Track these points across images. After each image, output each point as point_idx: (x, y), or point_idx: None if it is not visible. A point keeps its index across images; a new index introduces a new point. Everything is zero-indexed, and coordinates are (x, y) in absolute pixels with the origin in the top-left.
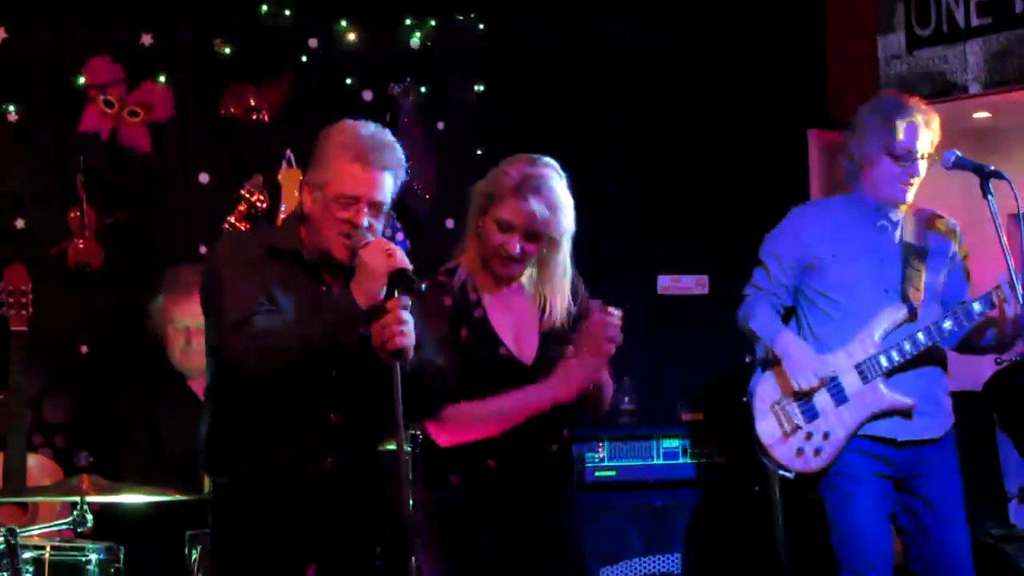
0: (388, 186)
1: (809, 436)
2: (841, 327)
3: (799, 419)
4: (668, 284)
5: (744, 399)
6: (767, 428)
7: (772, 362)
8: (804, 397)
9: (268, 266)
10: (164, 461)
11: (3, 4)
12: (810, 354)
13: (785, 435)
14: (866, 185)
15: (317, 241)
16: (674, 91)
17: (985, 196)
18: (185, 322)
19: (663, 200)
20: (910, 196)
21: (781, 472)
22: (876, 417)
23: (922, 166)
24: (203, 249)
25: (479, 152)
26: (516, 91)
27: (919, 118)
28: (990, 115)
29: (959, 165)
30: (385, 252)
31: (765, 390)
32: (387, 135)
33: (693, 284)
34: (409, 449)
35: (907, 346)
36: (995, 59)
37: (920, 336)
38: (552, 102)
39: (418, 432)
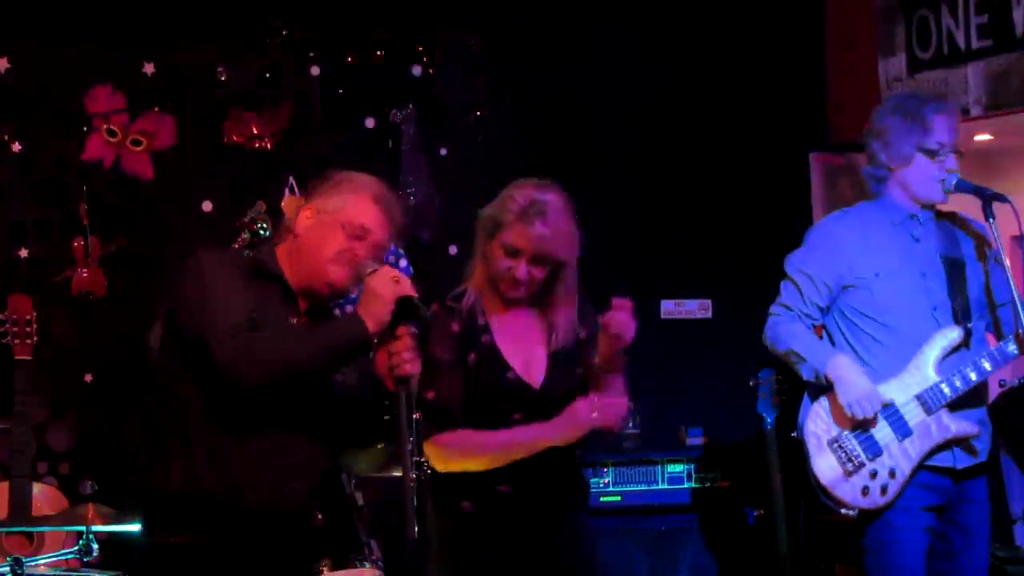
0: (390, 239)
1: (874, 474)
2: (891, 352)
3: (862, 456)
4: (671, 309)
5: (794, 435)
6: (826, 466)
7: (823, 389)
8: (862, 428)
9: (249, 286)
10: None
11: (6, 34)
12: (867, 382)
13: (847, 473)
14: (897, 190)
15: (305, 264)
16: (676, 115)
17: (987, 219)
18: None
19: (665, 224)
20: (945, 196)
21: (844, 511)
22: (939, 448)
23: (957, 161)
24: None
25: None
26: (517, 116)
27: (949, 110)
28: (992, 137)
29: (961, 188)
30: (393, 279)
31: (818, 425)
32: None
33: (696, 308)
34: (415, 475)
35: (972, 375)
36: (996, 81)
37: (986, 364)
38: (553, 126)
39: (424, 459)
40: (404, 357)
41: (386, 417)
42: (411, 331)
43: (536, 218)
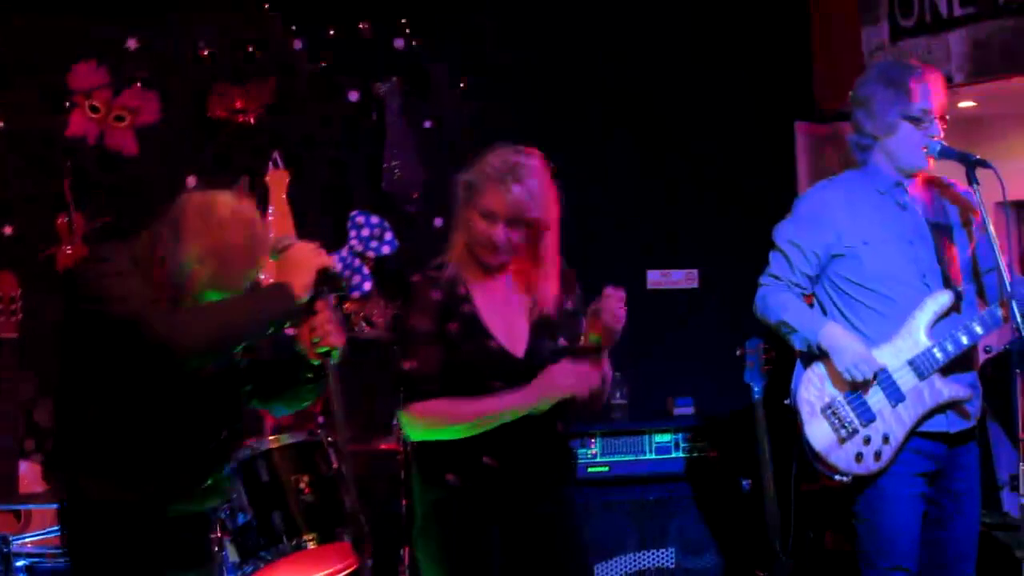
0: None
1: (867, 440)
2: (882, 318)
3: (855, 423)
4: (658, 279)
5: (787, 402)
6: (819, 433)
7: (815, 356)
8: (858, 390)
9: None
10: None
11: None
12: (861, 346)
13: (841, 440)
14: (882, 159)
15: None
16: (661, 86)
17: (971, 185)
18: None
19: (651, 195)
20: (931, 162)
21: (837, 477)
22: (932, 412)
23: (941, 127)
24: None
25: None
26: (503, 88)
27: (931, 76)
28: (975, 104)
29: (945, 155)
30: (312, 250)
31: (811, 392)
32: None
33: (683, 278)
34: (402, 449)
35: (964, 339)
36: (978, 48)
37: (976, 327)
38: (538, 98)
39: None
40: (328, 329)
41: (309, 375)
42: (331, 303)
43: (512, 181)
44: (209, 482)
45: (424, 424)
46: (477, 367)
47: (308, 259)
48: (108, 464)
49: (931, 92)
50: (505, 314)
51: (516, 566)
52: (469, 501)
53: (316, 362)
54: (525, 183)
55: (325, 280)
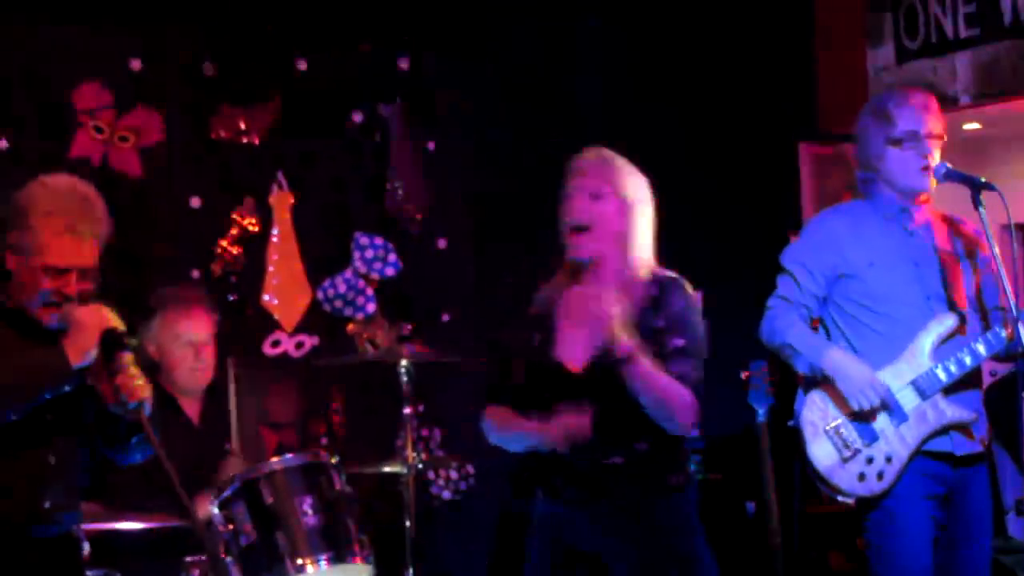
0: (95, 255)
1: (870, 460)
2: (887, 340)
3: (858, 443)
4: None
5: (790, 423)
6: (822, 453)
7: (819, 381)
8: (863, 418)
9: None
10: (156, 486)
11: None
12: (866, 370)
13: (844, 460)
14: (884, 186)
15: (21, 304)
16: (664, 105)
17: (976, 208)
18: (193, 336)
19: (654, 215)
20: (930, 183)
21: (840, 498)
22: (935, 434)
23: (932, 146)
24: (195, 273)
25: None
26: (505, 108)
27: (914, 100)
28: (980, 126)
29: (950, 177)
30: (94, 312)
31: (814, 412)
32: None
33: None
34: (406, 471)
35: (967, 359)
36: (984, 70)
37: (980, 348)
38: (540, 119)
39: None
40: (130, 385)
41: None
42: (126, 360)
43: (583, 161)
44: (47, 505)
45: (487, 429)
46: (540, 379)
47: (88, 322)
48: None
49: (916, 114)
50: (581, 326)
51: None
52: (549, 516)
53: (130, 417)
54: (589, 163)
55: (110, 341)
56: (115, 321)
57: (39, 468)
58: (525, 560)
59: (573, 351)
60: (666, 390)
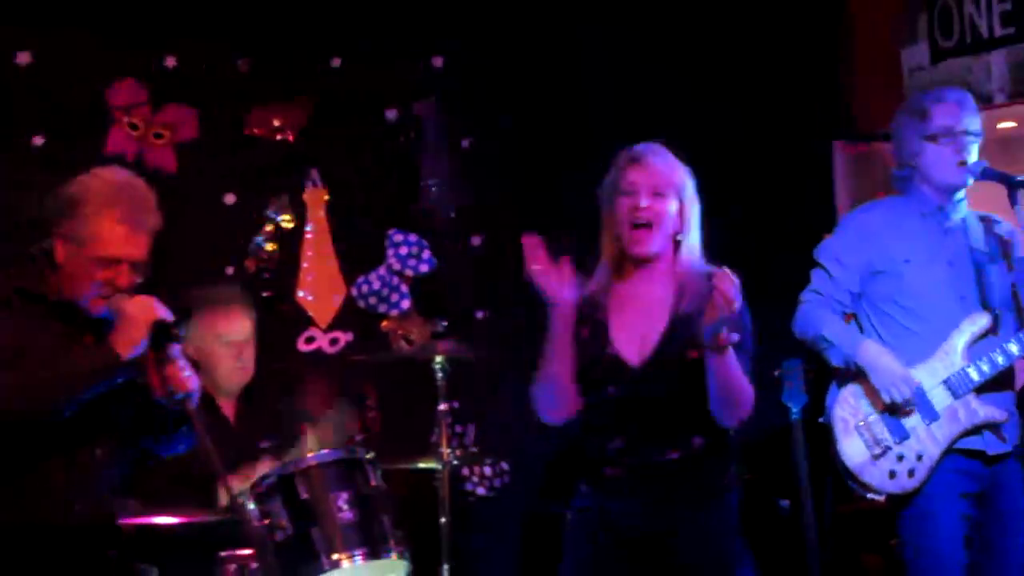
0: (148, 246)
1: (901, 458)
2: (920, 338)
3: (888, 440)
4: None
5: (821, 419)
6: (853, 450)
7: (852, 375)
8: (895, 412)
9: (15, 309)
10: (191, 482)
11: (28, 27)
12: (898, 365)
13: (875, 457)
14: (921, 183)
15: (70, 295)
16: (698, 104)
17: (1013, 206)
18: (233, 336)
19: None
20: (967, 179)
21: (870, 495)
22: (967, 433)
23: (968, 143)
24: (229, 270)
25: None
26: (539, 106)
27: (950, 97)
28: (1015, 124)
29: (987, 175)
30: (146, 305)
31: (846, 409)
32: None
33: None
34: (441, 468)
35: (1000, 359)
36: (1019, 69)
37: (1013, 348)
38: (574, 117)
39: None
40: (179, 377)
41: (176, 420)
42: (175, 351)
43: (646, 154)
44: (93, 498)
45: (539, 403)
46: (594, 372)
47: (138, 315)
48: None
49: (952, 110)
50: (637, 321)
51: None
52: (597, 511)
53: (177, 408)
54: (659, 155)
55: (160, 333)
56: (164, 313)
57: (85, 462)
58: (564, 556)
59: (631, 344)
60: (740, 383)
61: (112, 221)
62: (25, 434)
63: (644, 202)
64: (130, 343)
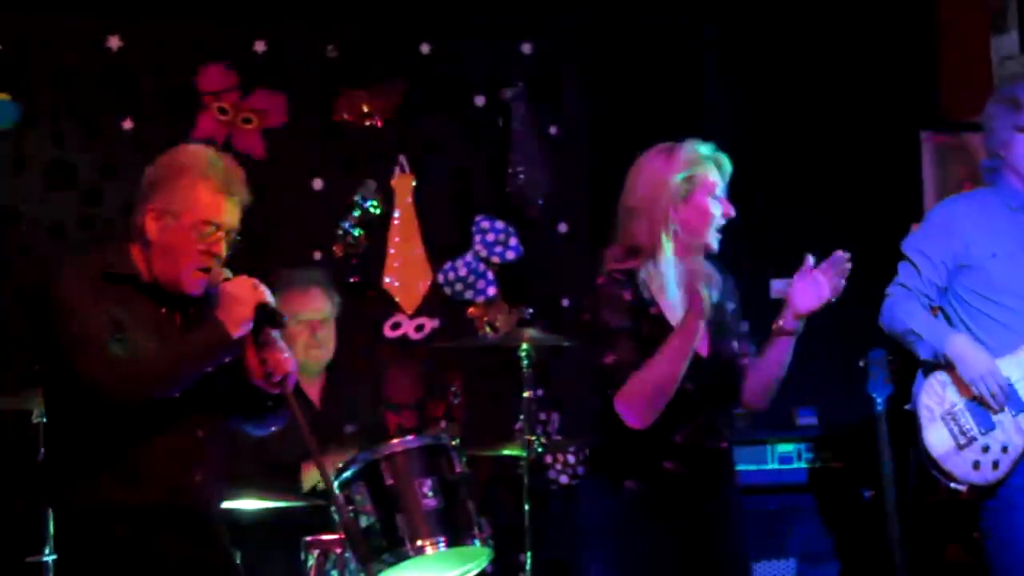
0: (241, 211)
1: (986, 448)
2: (1008, 331)
3: (974, 430)
4: (781, 288)
5: (907, 407)
6: (938, 439)
7: (940, 366)
8: (981, 406)
9: (107, 292)
10: (270, 465)
11: (118, 12)
12: (988, 357)
13: (959, 447)
14: (1010, 175)
15: (163, 270)
16: (784, 94)
17: None
18: (308, 315)
19: (774, 203)
20: None
21: (953, 485)
22: None
23: None
24: (317, 255)
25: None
26: (625, 94)
27: None
28: None
29: None
30: (252, 285)
31: (932, 398)
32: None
33: None
34: (525, 455)
35: None
36: None
37: None
38: (660, 105)
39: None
40: (278, 359)
41: (269, 404)
42: (275, 335)
43: (720, 159)
44: (198, 479)
45: (636, 405)
46: None
47: (244, 295)
48: (89, 466)
49: None
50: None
51: (685, 565)
52: (649, 507)
53: (274, 391)
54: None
55: (264, 315)
56: (268, 296)
57: (190, 443)
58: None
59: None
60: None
61: (209, 190)
62: (134, 413)
63: (729, 203)
64: (237, 322)
